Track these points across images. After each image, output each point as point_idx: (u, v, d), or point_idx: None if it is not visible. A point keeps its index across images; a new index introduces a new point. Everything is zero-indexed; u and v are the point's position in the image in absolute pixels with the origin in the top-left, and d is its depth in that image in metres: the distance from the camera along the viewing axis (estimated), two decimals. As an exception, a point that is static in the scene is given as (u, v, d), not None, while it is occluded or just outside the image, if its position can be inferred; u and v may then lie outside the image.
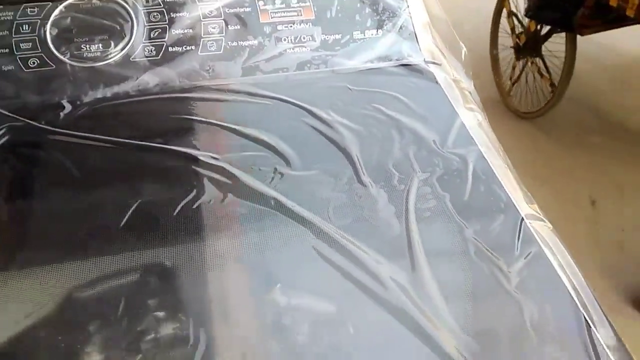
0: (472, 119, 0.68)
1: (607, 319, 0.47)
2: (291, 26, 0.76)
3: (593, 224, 1.73)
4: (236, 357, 0.44)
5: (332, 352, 0.45)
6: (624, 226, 1.71)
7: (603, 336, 0.46)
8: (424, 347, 0.45)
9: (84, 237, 0.53)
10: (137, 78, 0.71)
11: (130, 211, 0.55)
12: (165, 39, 0.73)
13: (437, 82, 0.74)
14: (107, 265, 0.51)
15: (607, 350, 0.45)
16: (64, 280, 0.49)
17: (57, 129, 0.64)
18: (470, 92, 0.75)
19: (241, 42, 0.75)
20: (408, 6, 0.79)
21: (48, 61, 0.70)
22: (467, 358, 0.44)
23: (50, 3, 0.71)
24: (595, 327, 0.47)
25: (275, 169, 0.60)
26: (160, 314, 0.47)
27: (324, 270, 0.50)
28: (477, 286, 0.50)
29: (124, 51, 0.71)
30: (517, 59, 2.16)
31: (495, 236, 0.54)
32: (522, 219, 0.56)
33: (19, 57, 0.69)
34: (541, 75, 2.08)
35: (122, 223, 0.54)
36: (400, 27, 0.79)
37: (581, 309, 0.48)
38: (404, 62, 0.77)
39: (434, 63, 0.77)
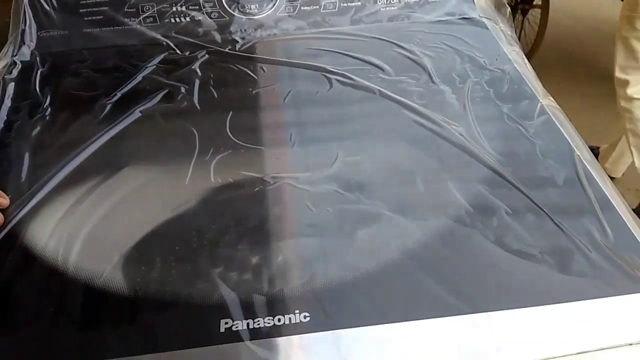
0: (511, 50, 0.99)
1: (585, 146, 0.77)
2: (384, -8, 1.09)
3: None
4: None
5: (420, 158, 0.77)
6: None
7: (584, 156, 0.75)
8: (472, 160, 0.76)
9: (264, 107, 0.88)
10: (282, 26, 1.06)
11: (289, 95, 0.89)
12: (299, 1, 1.07)
13: (487, 29, 1.04)
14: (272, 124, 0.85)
15: (585, 163, 0.74)
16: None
17: (236, 53, 1.00)
18: (511, 36, 1.05)
19: (349, 3, 1.08)
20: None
21: (223, 14, 1.06)
22: (499, 162, 0.74)
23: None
24: (579, 152, 0.76)
25: (377, 74, 0.93)
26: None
27: (411, 124, 0.82)
28: (507, 133, 0.80)
29: (272, 9, 1.07)
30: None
31: (521, 111, 0.84)
32: (540, 102, 0.86)
33: (205, 12, 1.06)
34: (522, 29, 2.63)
35: (285, 100, 0.88)
36: (462, -7, 1.10)
37: (573, 145, 0.78)
38: (464, 16, 1.08)
39: (486, 17, 1.08)
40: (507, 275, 0.61)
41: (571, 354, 0.55)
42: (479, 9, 1.08)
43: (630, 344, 0.56)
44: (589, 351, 0.55)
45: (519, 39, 2.53)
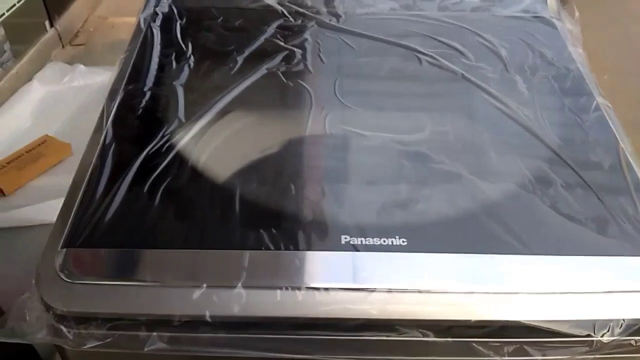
0: (574, 51, 1.15)
1: (627, 139, 0.94)
2: (469, -15, 1.25)
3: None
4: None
5: (493, 134, 0.95)
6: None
7: (627, 148, 0.93)
8: (536, 140, 0.94)
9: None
10: (378, 5, 1.23)
11: (386, 68, 1.07)
12: (394, -14, 1.24)
13: (556, 28, 1.20)
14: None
15: (627, 153, 0.91)
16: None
17: (338, 25, 1.17)
18: (576, 38, 1.21)
19: (439, -8, 1.25)
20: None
21: (329, -10, 1.23)
22: (558, 145, 0.92)
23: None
24: (623, 145, 0.93)
25: (459, 59, 1.10)
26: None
27: (488, 105, 1.00)
28: (566, 122, 0.98)
29: (371, -11, 1.24)
30: None
31: (579, 105, 1.01)
32: (596, 99, 1.03)
33: (312, -14, 1.23)
34: None
35: (383, 73, 1.06)
36: (537, -6, 1.26)
37: (618, 138, 0.95)
38: (537, 15, 1.24)
39: (555, 18, 1.24)
40: (557, 231, 0.80)
41: (598, 292, 0.74)
42: (551, 9, 1.24)
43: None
44: (614, 292, 0.74)
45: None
